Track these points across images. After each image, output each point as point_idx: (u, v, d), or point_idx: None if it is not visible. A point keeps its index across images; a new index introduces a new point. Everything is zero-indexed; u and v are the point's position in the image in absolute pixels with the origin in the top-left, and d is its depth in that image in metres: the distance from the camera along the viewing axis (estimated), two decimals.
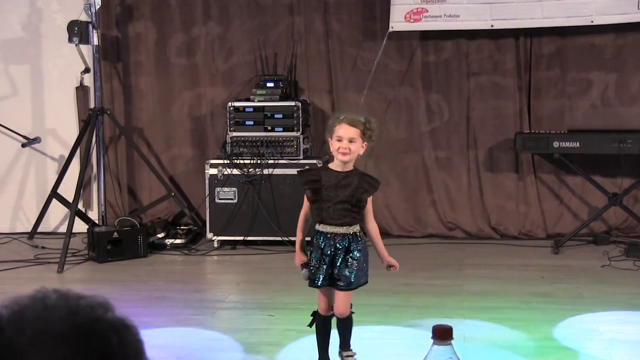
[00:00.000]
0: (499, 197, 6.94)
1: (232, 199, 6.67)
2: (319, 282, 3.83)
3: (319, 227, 3.83)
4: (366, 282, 3.88)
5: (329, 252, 3.80)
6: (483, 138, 6.92)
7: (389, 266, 3.89)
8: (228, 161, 6.67)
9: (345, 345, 3.98)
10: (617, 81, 6.74)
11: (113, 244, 6.33)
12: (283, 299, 5.23)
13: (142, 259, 6.37)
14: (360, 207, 3.83)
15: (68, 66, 7.08)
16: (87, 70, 6.79)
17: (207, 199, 6.71)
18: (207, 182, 6.72)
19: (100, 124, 6.78)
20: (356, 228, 3.83)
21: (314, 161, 6.59)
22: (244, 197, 6.64)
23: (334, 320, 3.96)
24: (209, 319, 4.88)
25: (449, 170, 6.98)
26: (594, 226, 6.73)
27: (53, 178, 6.98)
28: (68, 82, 7.19)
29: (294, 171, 6.59)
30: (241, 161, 6.66)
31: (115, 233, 6.37)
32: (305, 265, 3.87)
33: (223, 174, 6.68)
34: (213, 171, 6.69)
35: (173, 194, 6.84)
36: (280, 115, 6.68)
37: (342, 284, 3.81)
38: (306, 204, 3.90)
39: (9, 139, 7.13)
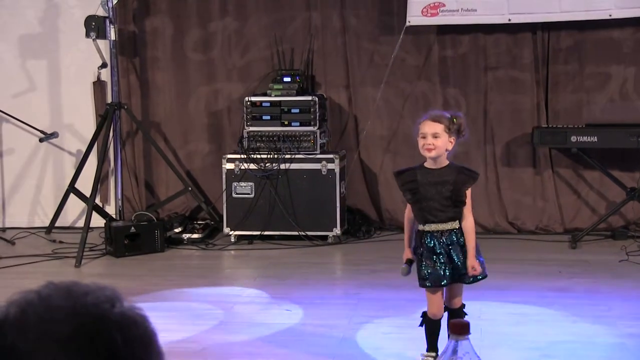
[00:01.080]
0: (516, 191, 6.92)
1: (249, 194, 6.67)
2: (444, 282, 3.77)
3: (425, 228, 3.78)
4: (486, 276, 3.82)
5: (440, 250, 3.75)
6: (500, 132, 6.90)
7: (472, 267, 3.78)
8: (245, 156, 6.68)
9: None
10: (635, 75, 6.70)
11: (130, 239, 6.35)
12: (300, 293, 5.23)
13: (159, 253, 6.39)
14: (461, 202, 3.78)
15: (85, 61, 7.10)
16: (104, 65, 6.81)
17: (224, 194, 6.72)
18: (224, 176, 6.72)
19: (118, 119, 6.80)
20: (459, 224, 3.80)
21: (331, 156, 6.60)
22: (260, 192, 6.64)
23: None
24: (226, 314, 4.89)
25: (466, 165, 6.95)
26: (612, 221, 6.69)
27: (70, 173, 7.01)
28: (85, 77, 7.21)
29: (310, 166, 6.63)
30: (258, 156, 6.66)
31: (133, 228, 6.39)
32: (409, 262, 3.84)
33: (240, 169, 6.68)
34: (230, 166, 6.70)
35: (190, 188, 6.85)
36: (297, 110, 6.68)
37: (470, 278, 3.77)
38: (409, 205, 3.87)
39: (27, 133, 7.16)
